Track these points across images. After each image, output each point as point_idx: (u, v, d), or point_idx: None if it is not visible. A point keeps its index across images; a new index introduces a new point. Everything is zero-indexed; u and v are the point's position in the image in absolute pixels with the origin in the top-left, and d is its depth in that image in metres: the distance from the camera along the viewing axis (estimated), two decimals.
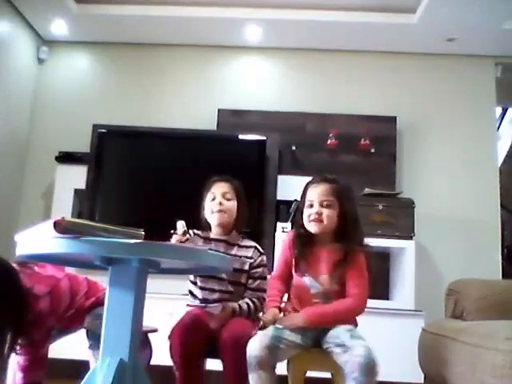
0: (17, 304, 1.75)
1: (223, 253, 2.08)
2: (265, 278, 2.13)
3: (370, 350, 1.66)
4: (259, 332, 1.81)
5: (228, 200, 2.13)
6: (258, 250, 2.16)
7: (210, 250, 1.70)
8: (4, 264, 1.79)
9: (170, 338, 1.90)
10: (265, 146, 3.61)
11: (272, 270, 2.10)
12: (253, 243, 2.18)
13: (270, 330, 1.80)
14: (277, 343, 1.75)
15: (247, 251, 2.14)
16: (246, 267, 2.10)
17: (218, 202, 2.12)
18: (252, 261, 2.11)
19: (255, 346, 1.72)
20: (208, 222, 2.18)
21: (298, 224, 2.01)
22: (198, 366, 1.92)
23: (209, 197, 2.16)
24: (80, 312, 2.04)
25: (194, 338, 1.87)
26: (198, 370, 1.92)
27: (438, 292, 2.85)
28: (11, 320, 1.75)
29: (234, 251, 2.13)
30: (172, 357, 1.87)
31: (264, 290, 2.10)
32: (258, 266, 2.12)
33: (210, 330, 1.92)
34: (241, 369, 1.80)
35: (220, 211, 2.11)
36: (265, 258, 2.17)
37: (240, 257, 2.10)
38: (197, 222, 2.19)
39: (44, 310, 1.87)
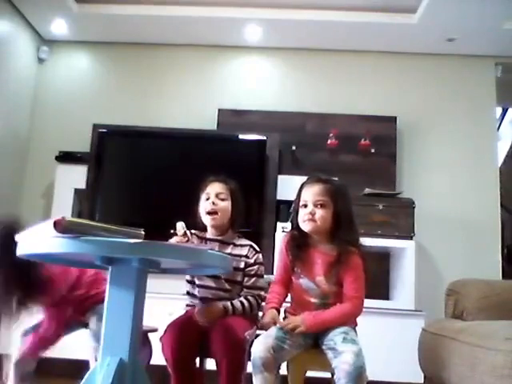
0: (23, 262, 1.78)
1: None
2: (261, 276, 2.12)
3: (359, 357, 1.64)
4: (262, 334, 1.80)
5: (222, 200, 2.12)
6: (254, 249, 2.14)
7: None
8: (11, 222, 1.89)
9: (161, 339, 1.91)
10: (265, 145, 3.61)
11: (270, 269, 2.09)
12: (248, 242, 2.17)
13: (272, 331, 1.79)
14: (281, 344, 1.74)
15: (242, 250, 2.13)
16: (242, 265, 2.09)
17: (210, 201, 2.11)
18: (247, 259, 2.10)
19: (259, 347, 1.71)
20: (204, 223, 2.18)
21: (293, 225, 2.00)
22: (190, 365, 1.92)
23: (203, 197, 2.16)
24: (92, 290, 2.12)
25: (186, 338, 1.88)
26: (192, 370, 1.92)
27: (438, 292, 2.85)
28: (18, 273, 1.83)
29: (229, 250, 2.12)
30: (164, 357, 1.88)
31: (260, 288, 2.09)
32: (254, 263, 2.10)
33: (202, 331, 1.91)
34: (233, 367, 1.81)
35: (211, 213, 2.10)
36: (260, 256, 2.15)
37: (235, 255, 2.09)
38: (196, 222, 2.18)
39: (54, 275, 1.96)
